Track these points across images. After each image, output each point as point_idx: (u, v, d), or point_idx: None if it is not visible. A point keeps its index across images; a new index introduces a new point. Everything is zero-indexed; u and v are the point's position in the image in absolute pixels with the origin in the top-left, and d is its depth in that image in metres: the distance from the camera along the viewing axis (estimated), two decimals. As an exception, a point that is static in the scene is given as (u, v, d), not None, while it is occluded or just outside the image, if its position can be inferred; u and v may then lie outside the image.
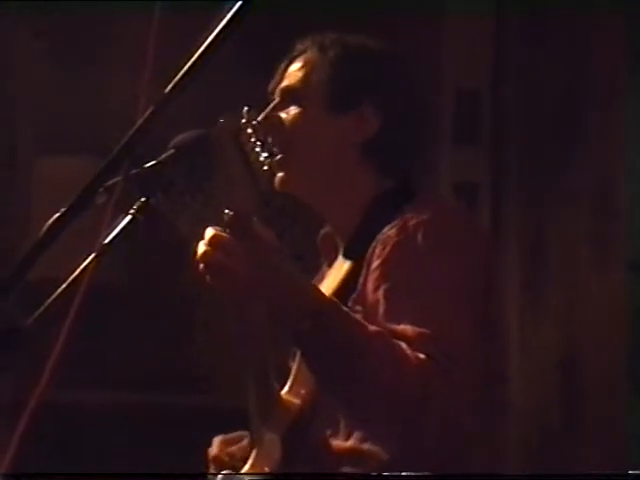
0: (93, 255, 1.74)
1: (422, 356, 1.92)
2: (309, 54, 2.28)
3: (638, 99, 3.93)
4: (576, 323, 4.30)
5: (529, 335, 4.33)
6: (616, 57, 4.06)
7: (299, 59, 2.28)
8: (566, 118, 4.44)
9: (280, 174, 2.21)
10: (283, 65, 2.31)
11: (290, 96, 2.25)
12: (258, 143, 2.04)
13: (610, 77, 4.11)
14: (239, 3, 1.67)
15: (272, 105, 2.25)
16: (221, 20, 1.68)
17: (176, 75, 1.65)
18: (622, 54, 4.01)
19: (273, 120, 2.22)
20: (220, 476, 2.20)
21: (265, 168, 2.03)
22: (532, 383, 4.23)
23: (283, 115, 2.23)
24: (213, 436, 2.26)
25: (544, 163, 4.58)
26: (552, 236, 4.47)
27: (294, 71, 2.27)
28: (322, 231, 2.33)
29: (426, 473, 1.99)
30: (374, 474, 2.03)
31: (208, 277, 1.94)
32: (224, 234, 1.92)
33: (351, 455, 2.08)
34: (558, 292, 4.41)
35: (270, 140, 2.17)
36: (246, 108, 2.05)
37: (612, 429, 3.98)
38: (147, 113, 1.65)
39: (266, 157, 2.03)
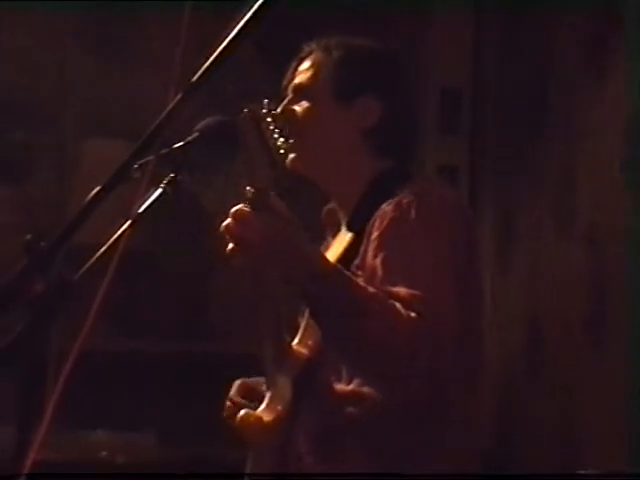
0: (129, 222, 1.74)
1: (413, 314, 1.91)
2: (316, 55, 2.26)
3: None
4: (539, 285, 4.30)
5: (500, 295, 4.33)
6: (579, 55, 4.02)
7: (308, 59, 2.27)
8: (533, 111, 4.43)
9: (291, 156, 2.18)
10: (294, 64, 2.29)
11: (301, 92, 2.24)
12: (276, 130, 2.00)
13: (573, 72, 4.08)
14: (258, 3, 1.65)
15: (286, 100, 2.23)
16: (241, 19, 1.66)
17: (201, 68, 1.64)
18: (587, 52, 3.97)
19: (287, 113, 2.20)
20: None
21: (282, 152, 2.00)
22: (502, 335, 4.23)
23: (296, 108, 2.22)
24: (235, 379, 2.24)
25: (514, 149, 4.61)
26: (520, 211, 4.49)
27: (304, 70, 2.26)
28: (326, 207, 2.31)
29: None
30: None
31: (231, 245, 1.91)
32: (246, 209, 1.90)
33: (351, 397, 2.06)
34: (524, 259, 4.42)
35: (286, 130, 2.13)
36: (266, 100, 2.00)
37: (569, 377, 3.96)
38: (175, 100, 1.63)
39: (283, 142, 2.01)
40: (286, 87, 2.26)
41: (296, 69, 2.26)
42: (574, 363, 3.94)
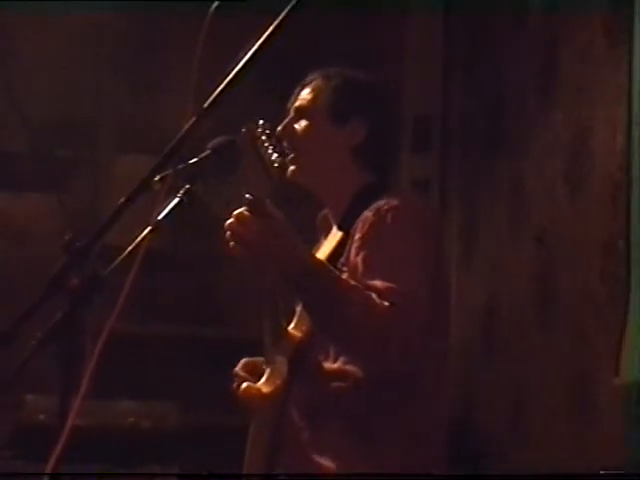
0: (150, 227, 1.74)
1: (386, 303, 1.92)
2: (316, 82, 2.25)
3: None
4: (496, 279, 4.29)
5: (464, 287, 4.33)
6: (528, 87, 4.03)
7: (309, 86, 2.25)
8: (490, 134, 4.44)
9: (291, 168, 2.18)
10: (298, 90, 2.27)
11: (301, 113, 2.23)
12: (271, 146, 1.99)
13: (523, 102, 4.09)
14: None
15: (288, 119, 2.23)
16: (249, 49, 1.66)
17: (212, 94, 1.63)
18: (535, 84, 3.98)
19: (289, 130, 2.20)
20: None
21: (276, 165, 1.99)
22: (464, 320, 4.24)
23: (296, 126, 2.21)
24: (240, 358, 2.23)
25: (475, 166, 4.61)
26: (480, 217, 4.49)
27: (305, 94, 2.24)
28: (321, 213, 2.30)
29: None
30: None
31: (232, 243, 1.93)
32: (245, 213, 1.92)
33: (337, 373, 2.06)
34: (484, 257, 4.42)
35: (286, 144, 2.16)
36: (261, 121, 1.99)
37: (519, 356, 3.97)
38: (190, 122, 1.64)
39: (277, 157, 2.00)
40: (289, 109, 2.24)
41: (299, 94, 2.25)
42: (524, 344, 3.95)
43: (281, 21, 1.66)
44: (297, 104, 2.23)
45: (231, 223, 1.92)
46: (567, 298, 3.65)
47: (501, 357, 4.17)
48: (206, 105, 1.64)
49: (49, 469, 1.50)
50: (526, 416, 3.88)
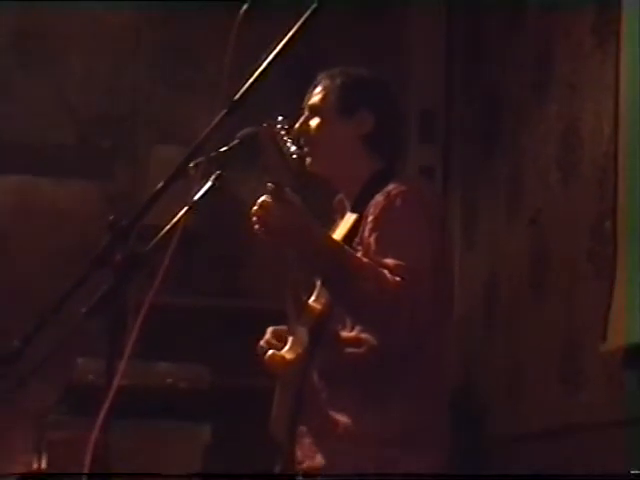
0: (186, 208, 1.76)
1: (397, 279, 1.93)
2: (324, 81, 2.24)
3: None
4: (495, 257, 4.28)
5: (465, 266, 4.32)
6: (524, 82, 4.01)
7: (319, 86, 2.24)
8: (490, 126, 4.41)
9: (308, 159, 2.19)
10: (310, 90, 2.27)
11: (313, 110, 2.22)
12: (289, 140, 2.01)
13: (520, 95, 4.07)
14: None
15: (303, 117, 2.22)
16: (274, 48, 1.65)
17: (241, 89, 1.64)
18: (531, 79, 3.97)
19: (304, 127, 2.19)
20: None
21: (294, 157, 2.00)
22: (465, 297, 4.23)
23: (310, 123, 2.21)
24: (265, 328, 2.23)
25: (476, 154, 4.58)
26: (481, 200, 4.48)
27: (316, 94, 2.24)
28: (337, 197, 2.29)
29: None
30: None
31: (256, 226, 1.97)
32: (268, 199, 1.95)
33: (352, 341, 2.06)
34: (484, 238, 4.41)
35: (302, 139, 2.16)
36: (280, 117, 2.02)
37: (516, 326, 3.97)
38: (221, 114, 1.64)
39: (295, 149, 2.01)
40: (304, 107, 2.24)
41: (311, 93, 2.24)
42: (520, 316, 3.94)
43: (301, 25, 1.66)
44: (309, 103, 2.23)
45: (255, 209, 1.96)
46: (559, 274, 3.64)
47: (499, 327, 4.17)
48: (236, 98, 1.63)
49: (99, 423, 1.51)
50: (522, 380, 3.88)
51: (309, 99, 2.24)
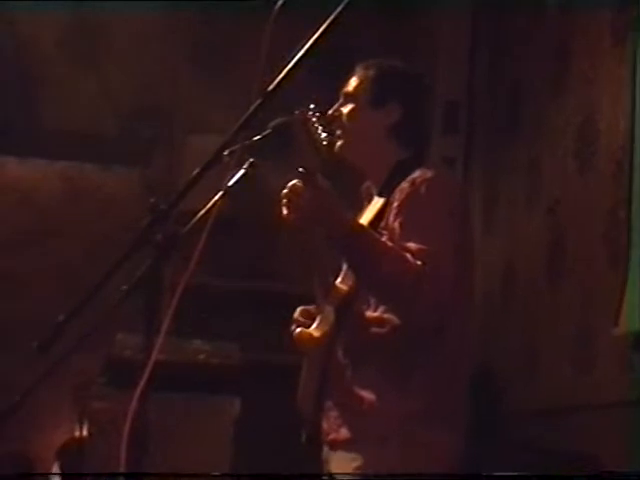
0: (221, 193, 1.76)
1: (419, 262, 1.92)
2: (360, 72, 2.23)
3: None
4: (513, 243, 4.25)
5: (485, 251, 4.31)
6: (544, 75, 3.97)
7: (354, 75, 2.23)
8: (510, 118, 4.39)
9: (338, 144, 2.16)
10: (347, 79, 2.25)
11: (347, 98, 2.21)
12: (320, 127, 2.00)
13: (540, 88, 4.04)
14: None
15: (338, 104, 2.21)
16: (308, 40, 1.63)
17: (275, 79, 1.61)
18: (550, 72, 3.93)
19: (338, 112, 2.18)
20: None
21: (324, 143, 1.99)
22: (485, 279, 4.22)
23: (343, 109, 2.19)
24: (293, 308, 2.22)
25: (497, 145, 4.56)
26: (500, 189, 4.46)
27: (351, 82, 2.22)
28: (365, 184, 2.27)
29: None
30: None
31: (286, 210, 1.97)
32: (298, 184, 1.94)
33: (377, 321, 2.05)
34: (503, 224, 4.39)
35: (335, 124, 2.14)
36: (312, 105, 2.01)
37: (532, 311, 3.95)
38: (255, 104, 1.62)
39: (325, 136, 2.00)
40: (340, 94, 2.22)
41: (347, 82, 2.23)
42: (536, 299, 3.93)
43: (334, 19, 1.64)
44: (344, 90, 2.22)
45: (286, 193, 1.96)
46: (574, 260, 3.63)
47: (516, 310, 4.16)
48: (270, 89, 1.61)
49: (137, 395, 1.51)
50: (537, 361, 3.87)
51: (345, 87, 2.23)
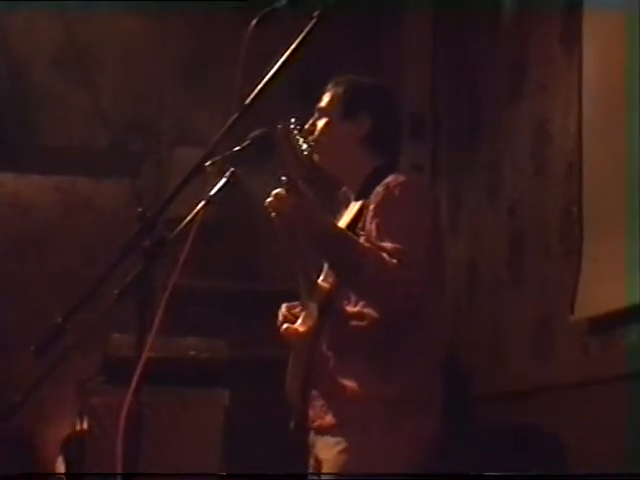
0: (204, 202, 1.75)
1: (395, 261, 1.91)
2: (332, 88, 2.21)
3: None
4: (476, 241, 4.24)
5: (450, 249, 4.29)
6: (501, 85, 3.97)
7: (327, 92, 2.21)
8: (471, 125, 4.38)
9: (316, 156, 2.13)
10: (322, 95, 2.23)
11: (322, 113, 2.19)
12: (301, 139, 1.97)
13: (497, 97, 4.03)
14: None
15: (313, 119, 2.19)
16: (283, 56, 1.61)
17: (254, 90, 1.59)
18: (507, 82, 3.93)
19: (313, 127, 2.16)
20: None
21: (305, 153, 1.96)
22: (451, 276, 4.19)
23: (319, 123, 2.17)
24: (278, 306, 2.19)
25: (459, 151, 4.55)
26: (464, 192, 4.45)
27: (324, 98, 2.21)
28: (342, 190, 2.25)
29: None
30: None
31: (272, 215, 1.95)
32: (282, 191, 1.93)
33: (356, 315, 2.03)
34: (467, 223, 4.39)
35: (311, 137, 2.12)
36: (293, 119, 1.98)
37: (495, 304, 3.95)
38: (233, 117, 1.60)
39: (306, 147, 1.97)
40: (315, 110, 2.21)
41: (321, 98, 2.21)
42: (499, 291, 3.93)
43: (304, 36, 1.62)
44: (318, 106, 2.21)
45: (271, 200, 1.94)
46: (532, 254, 3.63)
47: (481, 301, 4.16)
48: (246, 103, 1.59)
49: (131, 390, 1.48)
50: (500, 348, 3.87)
51: (319, 103, 2.21)
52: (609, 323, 2.94)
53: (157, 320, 1.52)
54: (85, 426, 3.47)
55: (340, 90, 2.18)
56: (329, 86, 2.21)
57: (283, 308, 2.16)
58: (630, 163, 2.69)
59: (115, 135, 4.82)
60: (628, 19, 2.45)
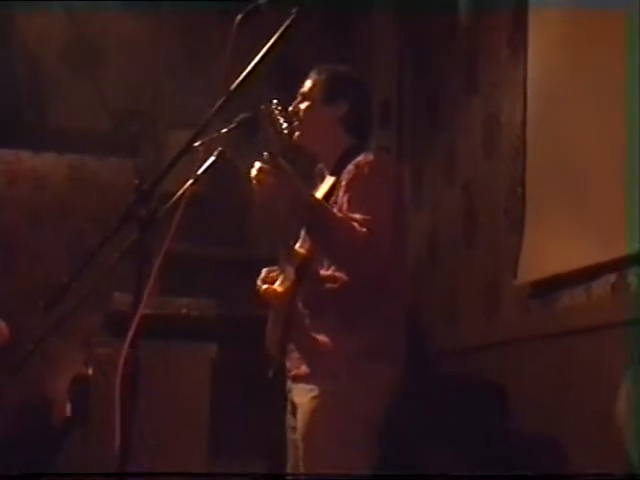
0: (192, 180, 1.70)
1: (364, 229, 1.87)
2: (314, 75, 2.16)
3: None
4: (436, 215, 4.21)
5: (413, 221, 4.28)
6: (458, 77, 3.93)
7: (310, 77, 2.16)
8: (432, 113, 4.34)
9: (297, 133, 2.09)
10: (305, 80, 2.17)
11: (304, 96, 2.14)
12: (282, 118, 1.91)
13: (455, 88, 3.99)
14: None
15: (296, 101, 2.13)
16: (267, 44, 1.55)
17: (238, 78, 1.54)
18: (463, 76, 3.89)
19: (296, 108, 2.11)
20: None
21: (285, 132, 1.91)
22: (414, 245, 4.18)
23: (301, 106, 2.12)
24: (261, 269, 2.15)
25: (422, 136, 4.50)
26: (425, 172, 4.42)
27: (307, 84, 2.15)
28: (318, 166, 2.21)
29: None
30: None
31: (255, 187, 1.91)
32: (264, 165, 1.89)
33: (330, 278, 1.99)
34: (427, 200, 4.36)
35: (295, 118, 2.07)
36: (275, 100, 1.93)
37: (451, 268, 3.93)
38: (220, 101, 1.54)
39: (287, 126, 1.92)
40: (298, 93, 2.15)
41: (303, 83, 2.16)
42: (454, 259, 3.92)
43: (283, 31, 1.57)
44: (301, 91, 2.15)
45: (255, 174, 1.90)
46: (483, 227, 3.62)
47: (438, 268, 4.15)
48: (232, 88, 1.54)
49: (128, 341, 1.45)
50: (455, 308, 3.87)
51: (302, 87, 2.16)
52: (547, 287, 2.94)
53: (150, 281, 1.48)
54: (90, 372, 3.43)
55: (322, 77, 2.13)
56: (311, 73, 2.16)
57: (263, 272, 2.12)
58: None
59: (117, 120, 4.80)
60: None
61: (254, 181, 1.89)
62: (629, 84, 2.27)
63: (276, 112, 1.89)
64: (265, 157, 1.86)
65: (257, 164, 1.89)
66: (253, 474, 2.06)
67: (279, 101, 1.92)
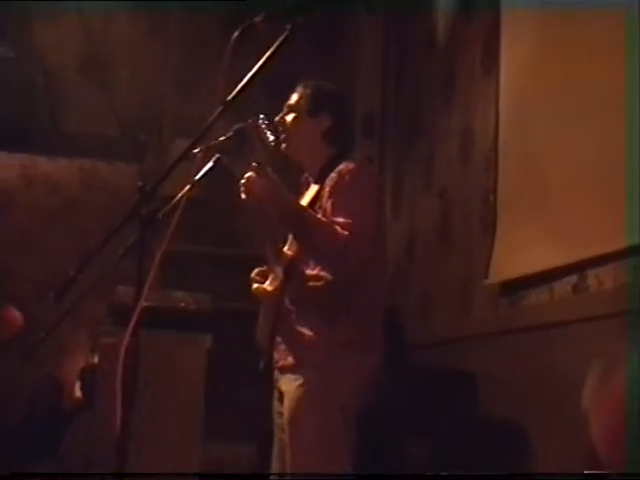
0: (190, 185, 1.69)
1: (346, 233, 1.86)
2: (300, 89, 2.13)
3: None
4: (414, 221, 4.21)
5: (393, 227, 4.28)
6: (435, 90, 3.93)
7: (295, 92, 2.14)
8: (412, 126, 4.34)
9: (283, 145, 2.07)
10: (291, 95, 2.15)
11: (290, 109, 2.12)
12: (269, 131, 1.89)
13: (433, 101, 4.00)
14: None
15: (282, 113, 2.11)
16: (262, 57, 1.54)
17: (234, 90, 1.53)
18: (441, 88, 3.89)
19: (282, 121, 2.08)
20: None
21: (272, 144, 1.90)
22: (394, 248, 4.19)
23: (287, 118, 2.10)
24: (252, 269, 2.13)
25: (402, 147, 4.50)
26: (405, 181, 4.42)
27: (293, 97, 2.13)
28: (304, 175, 2.18)
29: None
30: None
31: (244, 194, 1.90)
32: (253, 174, 1.88)
33: (314, 277, 1.97)
34: (406, 206, 4.36)
35: (281, 129, 2.05)
36: (262, 115, 1.91)
37: (428, 270, 3.93)
38: (218, 111, 1.53)
39: (273, 139, 1.90)
40: (285, 106, 2.13)
41: (290, 97, 2.13)
42: (431, 262, 3.91)
43: (276, 48, 1.56)
44: (288, 104, 2.13)
45: (244, 182, 1.89)
46: (458, 232, 3.62)
47: (416, 269, 4.14)
48: (228, 99, 1.52)
49: (129, 331, 1.44)
50: (431, 304, 3.87)
51: (288, 100, 2.14)
52: (515, 286, 2.95)
53: (151, 276, 1.47)
54: (96, 360, 3.41)
55: (308, 91, 2.10)
56: (298, 87, 2.14)
57: (254, 272, 2.11)
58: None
59: (125, 128, 4.78)
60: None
61: (243, 189, 1.89)
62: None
63: (263, 126, 1.87)
64: (254, 167, 1.86)
65: (247, 174, 1.89)
66: (247, 475, 2.05)
67: (266, 115, 1.91)
